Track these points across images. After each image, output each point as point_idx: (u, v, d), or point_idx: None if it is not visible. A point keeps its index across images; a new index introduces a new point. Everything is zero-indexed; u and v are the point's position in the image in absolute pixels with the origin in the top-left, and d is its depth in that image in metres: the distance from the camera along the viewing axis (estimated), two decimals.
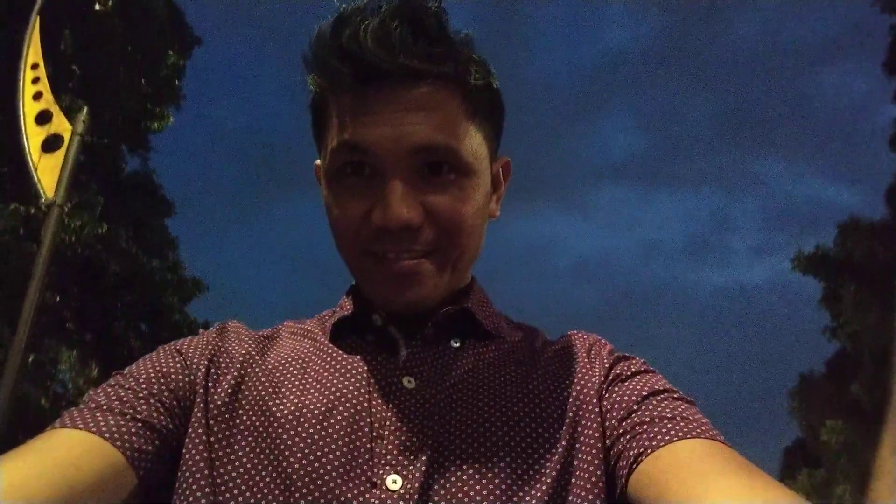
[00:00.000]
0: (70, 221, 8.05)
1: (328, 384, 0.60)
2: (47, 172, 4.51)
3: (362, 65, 0.55)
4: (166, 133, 10.76)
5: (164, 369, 0.60)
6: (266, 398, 0.59)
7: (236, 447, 0.56)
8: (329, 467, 0.54)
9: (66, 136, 3.04)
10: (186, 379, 0.60)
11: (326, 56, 0.57)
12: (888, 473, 0.20)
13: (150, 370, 0.59)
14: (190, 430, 0.57)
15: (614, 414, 0.58)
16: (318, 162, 0.67)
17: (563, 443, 0.57)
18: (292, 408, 0.57)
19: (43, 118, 3.17)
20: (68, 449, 0.50)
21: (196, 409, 0.58)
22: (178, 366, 0.61)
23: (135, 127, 10.26)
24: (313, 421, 0.56)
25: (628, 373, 0.62)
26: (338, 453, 0.54)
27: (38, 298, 4.29)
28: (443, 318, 0.63)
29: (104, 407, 0.54)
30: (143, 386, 0.57)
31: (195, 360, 0.61)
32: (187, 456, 0.56)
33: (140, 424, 0.54)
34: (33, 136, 2.99)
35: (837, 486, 10.93)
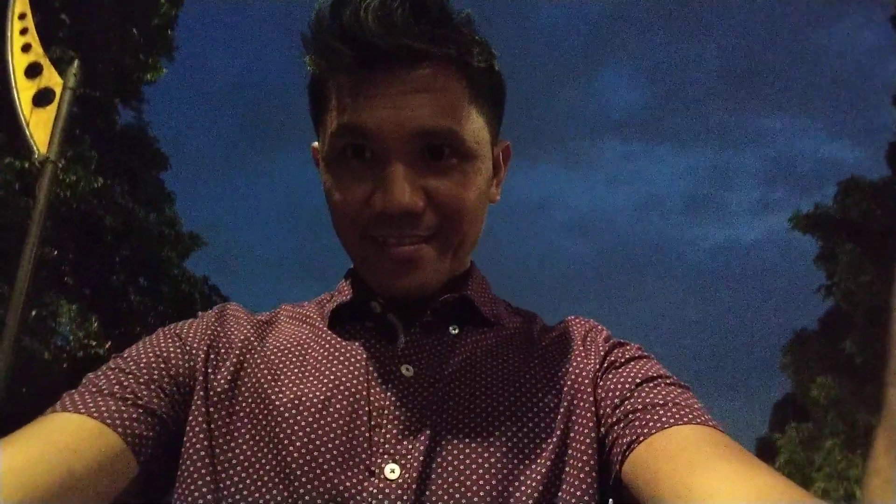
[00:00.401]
0: (65, 176, 7.98)
1: (327, 372, 0.60)
2: (40, 127, 4.44)
3: (363, 46, 0.54)
4: (159, 85, 10.57)
5: (165, 354, 0.59)
6: (265, 386, 0.59)
7: (236, 434, 0.57)
8: (328, 456, 0.54)
9: (58, 91, 2.97)
10: (186, 365, 0.60)
11: (326, 36, 0.56)
12: (881, 472, 0.20)
13: (151, 355, 0.59)
14: (190, 416, 0.57)
15: (608, 402, 0.58)
16: (315, 144, 0.66)
17: (558, 432, 0.58)
18: (291, 396, 0.58)
19: (33, 71, 3.09)
20: (69, 433, 0.50)
21: (196, 396, 0.58)
22: (178, 351, 0.60)
23: (127, 78, 10.05)
24: (312, 410, 0.57)
25: (623, 359, 0.62)
26: (336, 442, 0.55)
27: (35, 254, 4.30)
28: (442, 306, 0.63)
29: (105, 392, 0.54)
30: (144, 371, 0.57)
31: (195, 346, 0.61)
32: (188, 443, 0.56)
33: (141, 410, 0.54)
34: (24, 91, 2.92)
35: (825, 441, 11.19)
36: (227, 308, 0.68)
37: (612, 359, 0.62)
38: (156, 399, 0.56)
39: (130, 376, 0.56)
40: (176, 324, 0.65)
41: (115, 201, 10.30)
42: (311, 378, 0.59)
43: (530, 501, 0.53)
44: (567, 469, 0.56)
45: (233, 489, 0.54)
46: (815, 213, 13.51)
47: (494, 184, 0.67)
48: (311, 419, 0.56)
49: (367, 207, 0.58)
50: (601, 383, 0.60)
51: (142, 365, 0.57)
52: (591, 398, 0.60)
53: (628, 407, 0.56)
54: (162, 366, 0.58)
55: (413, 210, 0.57)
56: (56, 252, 9.23)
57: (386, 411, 0.57)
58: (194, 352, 0.61)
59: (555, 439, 0.57)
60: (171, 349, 0.60)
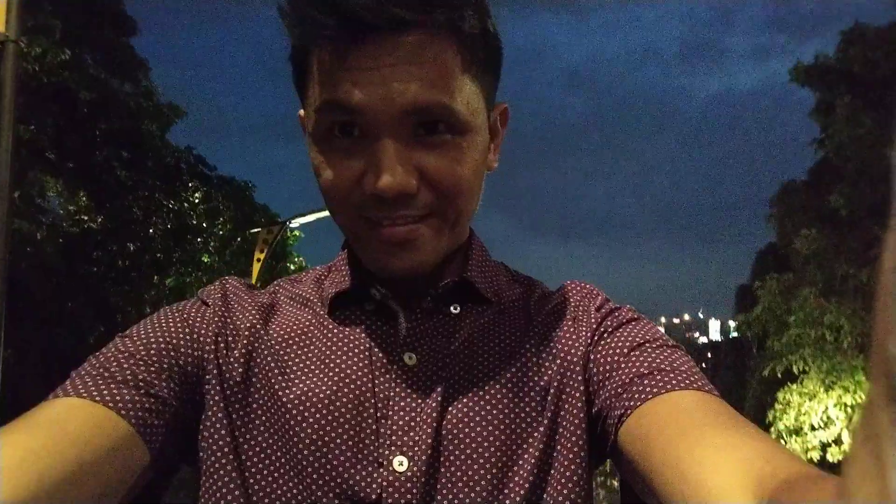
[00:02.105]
0: (29, 49, 7.49)
1: (332, 365, 0.60)
2: None
3: (345, 14, 0.50)
4: None
5: (174, 341, 0.59)
6: (273, 381, 0.59)
7: (251, 426, 0.58)
8: (337, 451, 0.55)
9: None
10: (195, 353, 0.59)
11: (305, 5, 0.51)
12: (858, 461, 0.20)
13: (161, 341, 0.58)
14: (206, 407, 0.58)
15: (598, 376, 0.59)
16: (301, 112, 0.62)
17: (549, 413, 0.59)
18: (298, 392, 0.58)
19: None
20: (80, 422, 0.49)
21: (208, 386, 0.58)
22: (187, 338, 0.60)
23: None
24: (319, 406, 0.57)
25: (612, 326, 0.62)
26: (344, 437, 0.56)
27: (11, 136, 4.14)
28: (443, 290, 0.63)
29: (118, 379, 0.53)
30: (155, 358, 0.56)
31: (202, 333, 0.61)
32: (207, 434, 0.57)
33: (153, 399, 0.54)
34: None
35: (803, 289, 11.70)
36: (229, 289, 0.67)
37: (602, 330, 0.63)
38: (166, 387, 0.56)
39: (141, 363, 0.55)
40: (182, 305, 0.64)
41: (88, 73, 9.79)
42: (317, 371, 0.60)
43: (526, 485, 0.56)
44: (558, 448, 0.58)
45: (257, 480, 0.56)
46: (815, 64, 13.06)
47: (492, 150, 0.64)
48: (318, 415, 0.57)
49: (359, 187, 0.56)
50: (592, 357, 0.61)
51: (152, 352, 0.57)
52: (582, 375, 0.60)
53: (616, 379, 0.57)
54: (172, 354, 0.58)
55: (407, 191, 0.54)
56: (33, 127, 8.93)
57: (391, 402, 0.58)
58: (202, 340, 0.60)
59: (546, 420, 0.58)
60: (181, 336, 0.60)
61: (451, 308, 0.64)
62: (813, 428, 10.69)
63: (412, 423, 0.57)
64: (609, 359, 0.59)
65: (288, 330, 0.63)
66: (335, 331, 0.63)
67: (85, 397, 0.51)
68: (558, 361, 0.61)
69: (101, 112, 9.97)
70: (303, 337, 0.63)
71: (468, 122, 0.56)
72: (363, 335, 0.62)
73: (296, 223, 9.77)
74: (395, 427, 0.57)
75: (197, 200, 11.52)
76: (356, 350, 0.61)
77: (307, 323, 0.64)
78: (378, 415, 0.57)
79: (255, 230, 9.60)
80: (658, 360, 0.56)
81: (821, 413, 10.64)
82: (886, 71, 11.43)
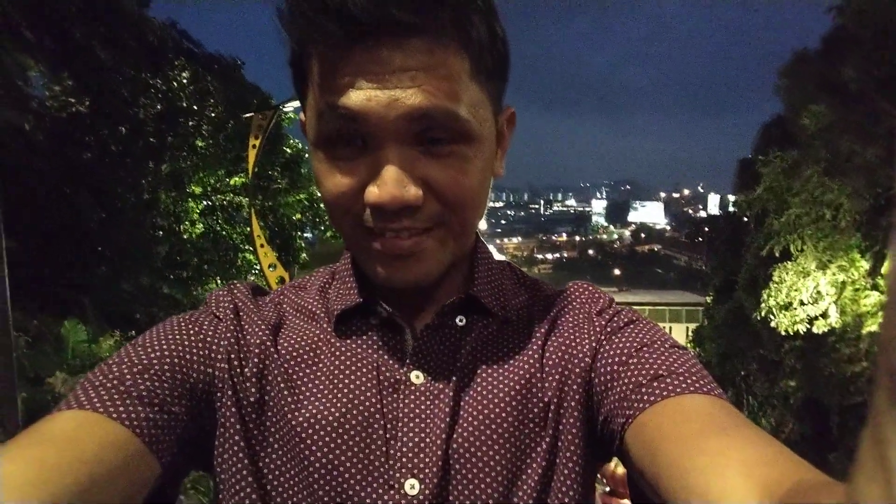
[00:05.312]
0: None
1: (340, 385, 0.60)
2: None
3: (346, 18, 0.48)
4: None
5: (188, 356, 0.58)
6: (283, 403, 0.59)
7: (266, 445, 0.58)
8: (347, 475, 0.56)
9: None
10: (208, 370, 0.59)
11: (304, 8, 0.49)
12: (865, 467, 0.21)
13: (175, 355, 0.58)
14: (222, 426, 0.58)
15: (601, 384, 0.59)
16: (302, 117, 0.61)
17: (550, 430, 0.59)
18: (308, 415, 0.58)
19: None
20: (95, 439, 0.49)
21: (222, 404, 0.59)
22: (201, 354, 0.59)
23: None
24: (329, 429, 0.57)
25: (614, 331, 0.62)
26: (354, 460, 0.56)
27: None
28: (448, 306, 0.63)
29: (133, 394, 0.53)
30: (168, 374, 0.56)
31: (215, 350, 0.61)
32: (225, 452, 0.58)
33: (166, 416, 0.54)
34: None
35: (806, 169, 11.59)
36: (238, 298, 0.66)
37: (603, 335, 0.63)
38: (179, 403, 0.55)
39: (156, 378, 0.55)
40: (195, 317, 0.63)
41: None
42: (326, 392, 0.60)
43: (530, 502, 0.57)
44: (562, 460, 0.59)
45: (273, 499, 0.57)
46: None
47: (499, 156, 0.62)
48: (328, 438, 0.57)
49: (361, 197, 0.54)
50: (594, 364, 0.61)
51: (166, 366, 0.56)
52: (585, 384, 0.61)
53: (619, 385, 0.57)
54: (185, 369, 0.57)
55: (411, 203, 0.53)
56: (4, 6, 8.40)
57: (399, 423, 0.58)
58: (214, 356, 0.60)
59: (549, 433, 0.59)
60: (195, 351, 0.59)
61: (457, 320, 0.63)
62: (802, 303, 11.06)
63: (422, 445, 0.57)
64: (611, 365, 0.59)
65: (297, 346, 0.63)
66: (343, 348, 0.63)
67: (100, 412, 0.51)
68: (560, 370, 0.62)
69: None
70: (311, 355, 0.62)
71: (474, 131, 0.54)
72: (370, 351, 0.62)
73: (290, 107, 9.52)
74: (405, 449, 0.57)
75: (185, 80, 11.11)
76: (364, 369, 0.61)
77: (315, 339, 0.64)
78: (387, 436, 0.57)
79: (249, 115, 9.36)
80: (660, 364, 0.56)
81: (812, 289, 10.96)
82: None
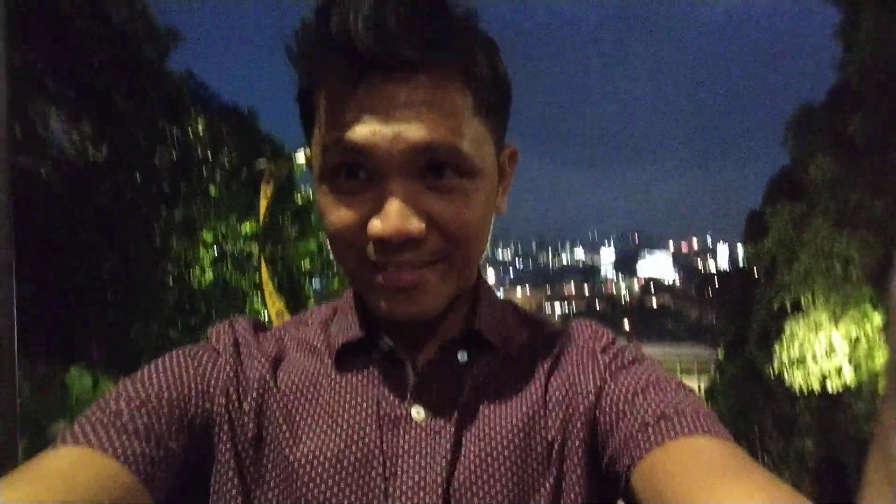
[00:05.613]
0: None
1: (340, 420, 0.59)
2: None
3: (353, 56, 0.49)
4: None
5: (186, 391, 0.58)
6: (282, 438, 0.59)
7: (263, 483, 0.58)
8: None
9: None
10: (206, 405, 0.59)
11: (313, 46, 0.52)
12: (875, 484, 0.21)
13: (173, 389, 0.58)
14: (218, 463, 0.58)
15: (606, 425, 0.58)
16: (308, 152, 0.61)
17: (555, 469, 0.58)
18: (306, 451, 0.57)
19: None
20: (90, 475, 0.49)
21: (219, 440, 0.58)
22: (199, 389, 0.59)
23: None
24: (327, 465, 0.56)
25: (618, 370, 0.62)
26: (352, 498, 0.55)
27: (4, 67, 4.02)
28: (450, 341, 0.62)
29: (129, 429, 0.53)
30: (166, 409, 0.56)
31: (213, 385, 0.60)
32: (220, 488, 0.57)
33: (162, 452, 0.53)
34: None
35: (815, 219, 11.58)
36: (239, 333, 0.66)
37: (607, 375, 0.62)
38: (176, 439, 0.55)
39: (153, 413, 0.55)
40: (194, 351, 0.62)
41: None
42: (325, 427, 0.59)
43: None
44: (563, 502, 0.58)
45: None
46: None
47: (500, 192, 0.63)
48: (326, 476, 0.56)
49: (364, 231, 0.54)
50: (598, 403, 0.60)
51: (163, 401, 0.56)
52: (588, 424, 0.60)
53: (624, 426, 0.56)
54: (183, 403, 0.57)
55: (414, 236, 0.53)
56: (30, 55, 8.71)
57: (400, 460, 0.57)
58: (213, 391, 0.60)
59: (553, 474, 0.58)
60: (193, 386, 0.59)
61: (459, 356, 0.63)
62: (815, 358, 10.86)
63: (421, 484, 0.56)
64: (617, 404, 0.58)
65: (297, 381, 0.62)
66: (343, 382, 0.62)
67: (95, 447, 0.51)
68: (564, 407, 0.61)
69: (97, 38, 9.70)
70: (311, 389, 0.62)
71: (477, 166, 0.55)
72: (371, 386, 0.61)
73: (301, 157, 9.69)
74: (404, 487, 0.56)
75: (201, 129, 11.38)
76: (364, 404, 0.60)
77: (315, 373, 0.63)
78: (386, 474, 0.56)
79: (262, 161, 9.53)
80: (666, 403, 0.55)
81: (825, 344, 10.78)
82: None
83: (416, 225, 0.53)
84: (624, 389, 0.59)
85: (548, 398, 0.62)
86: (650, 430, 0.53)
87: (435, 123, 0.51)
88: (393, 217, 0.52)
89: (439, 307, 0.59)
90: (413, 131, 0.51)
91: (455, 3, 0.52)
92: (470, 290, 0.66)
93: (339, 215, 0.55)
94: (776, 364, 11.35)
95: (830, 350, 10.78)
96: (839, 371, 10.72)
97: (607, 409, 0.59)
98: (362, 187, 0.54)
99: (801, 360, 11.03)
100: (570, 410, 0.60)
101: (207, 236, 12.60)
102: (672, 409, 0.54)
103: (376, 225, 0.53)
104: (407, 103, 0.51)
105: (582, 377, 0.62)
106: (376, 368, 0.62)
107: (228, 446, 0.58)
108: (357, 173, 0.54)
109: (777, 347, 11.48)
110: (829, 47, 13.19)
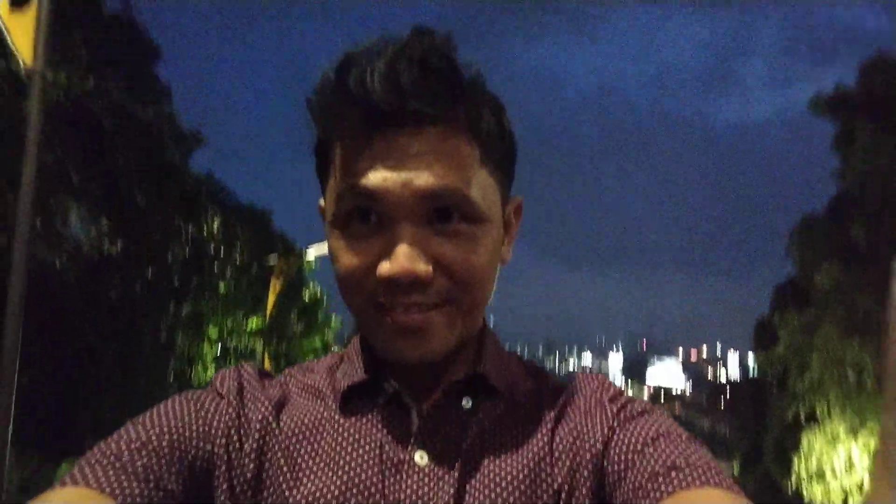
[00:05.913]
0: (55, 76, 7.69)
1: (341, 462, 0.59)
2: (21, 33, 4.20)
3: (370, 110, 0.52)
4: None
5: (187, 433, 0.59)
6: (282, 480, 0.58)
7: None
8: None
9: None
10: (206, 447, 0.59)
11: (332, 100, 0.55)
12: (878, 493, 0.22)
13: (174, 431, 0.58)
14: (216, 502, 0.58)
15: (614, 475, 0.58)
16: (322, 202, 0.65)
17: None
18: (306, 492, 0.57)
19: None
20: None
21: (217, 483, 0.58)
22: (200, 431, 0.60)
23: None
24: None
25: (626, 420, 0.62)
26: None
27: (33, 169, 4.21)
28: (455, 385, 0.63)
29: (129, 470, 0.53)
30: (167, 450, 0.56)
31: (215, 426, 0.60)
32: None
33: (161, 493, 0.54)
34: None
35: (824, 326, 11.46)
36: (244, 378, 0.67)
37: (616, 424, 0.61)
38: (176, 481, 0.55)
39: (153, 454, 0.55)
40: (198, 395, 0.63)
41: (111, 100, 10.01)
42: (327, 470, 0.59)
43: None
44: None
45: None
46: (835, 94, 13.00)
47: (506, 243, 0.65)
48: None
49: (373, 273, 0.56)
50: (607, 452, 0.60)
51: (164, 443, 0.56)
52: (596, 473, 0.59)
53: (633, 477, 0.55)
54: (184, 445, 0.58)
55: (421, 278, 0.55)
56: (57, 154, 9.11)
57: None
58: (214, 432, 0.60)
59: None
60: (194, 428, 0.59)
61: (464, 401, 0.63)
62: (834, 472, 10.38)
63: None
64: (624, 455, 0.57)
65: (299, 424, 0.62)
66: (346, 425, 0.62)
67: (94, 487, 0.51)
68: (571, 455, 0.60)
69: (124, 139, 10.18)
70: (314, 431, 0.62)
71: (483, 212, 0.57)
72: (374, 430, 0.61)
73: (311, 254, 9.86)
74: None
75: (216, 227, 11.66)
76: (367, 448, 0.60)
77: (318, 416, 0.63)
78: None
79: (273, 261, 9.68)
80: (677, 455, 0.55)
81: (844, 458, 10.34)
82: None
83: (423, 267, 0.54)
84: (633, 439, 0.58)
85: (554, 446, 0.61)
86: (660, 479, 0.52)
87: (444, 171, 0.54)
88: (401, 258, 0.54)
89: (445, 349, 0.59)
90: (422, 178, 0.53)
91: (464, 64, 0.56)
92: (476, 337, 0.66)
93: (350, 258, 0.57)
94: (793, 479, 10.84)
95: (850, 465, 10.32)
96: (861, 487, 10.20)
97: (616, 458, 0.58)
98: (373, 232, 0.56)
99: (821, 475, 10.54)
100: (578, 459, 0.60)
101: (213, 332, 12.57)
102: (683, 461, 0.54)
103: (385, 266, 0.54)
104: (418, 153, 0.53)
105: (590, 426, 0.62)
106: (380, 412, 0.62)
107: (226, 487, 0.57)
108: (369, 218, 0.56)
109: (795, 461, 11.01)
110: (828, 159, 13.63)
